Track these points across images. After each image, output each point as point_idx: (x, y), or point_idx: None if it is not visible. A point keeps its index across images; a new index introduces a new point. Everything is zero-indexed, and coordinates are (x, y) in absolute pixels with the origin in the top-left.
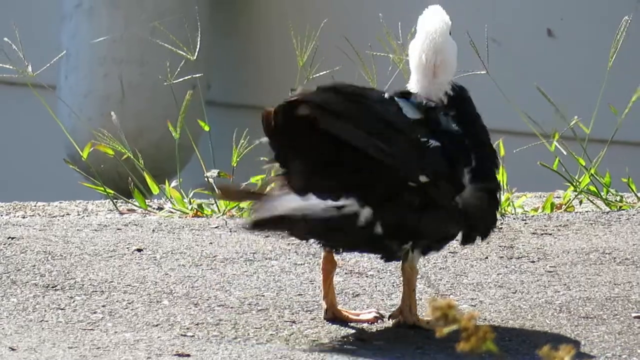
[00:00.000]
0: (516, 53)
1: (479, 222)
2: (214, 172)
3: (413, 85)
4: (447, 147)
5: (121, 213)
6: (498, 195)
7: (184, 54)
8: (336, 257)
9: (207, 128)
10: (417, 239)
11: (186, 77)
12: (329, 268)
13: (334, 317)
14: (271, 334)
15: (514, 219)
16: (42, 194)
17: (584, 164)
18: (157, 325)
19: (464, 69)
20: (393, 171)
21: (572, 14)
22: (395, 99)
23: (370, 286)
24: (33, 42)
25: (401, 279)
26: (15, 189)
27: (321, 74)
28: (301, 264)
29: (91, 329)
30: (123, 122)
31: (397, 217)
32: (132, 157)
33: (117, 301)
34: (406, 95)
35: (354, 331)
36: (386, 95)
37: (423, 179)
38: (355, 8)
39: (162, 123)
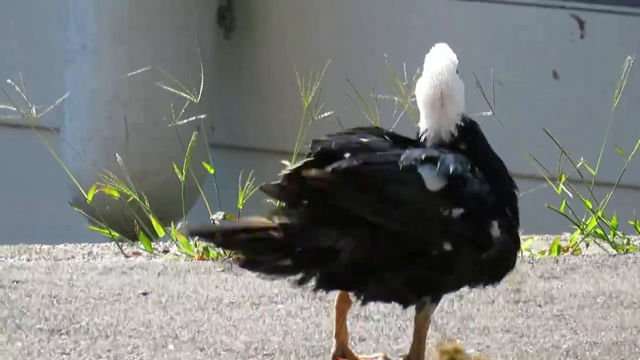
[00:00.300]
0: (522, 95)
1: (500, 267)
2: (219, 215)
3: (422, 123)
4: (474, 211)
5: (127, 256)
6: (518, 233)
7: (187, 96)
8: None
9: (212, 170)
10: (437, 293)
11: (190, 119)
12: (342, 307)
13: (343, 356)
14: None
15: (521, 262)
16: (47, 237)
17: (590, 206)
18: None
19: (470, 110)
20: (415, 240)
21: (576, 55)
22: (417, 168)
23: (376, 330)
24: (37, 83)
25: (408, 322)
26: (20, 232)
27: (326, 114)
28: (307, 308)
29: None
30: (128, 164)
31: (420, 276)
32: (137, 199)
33: (122, 346)
34: (431, 160)
35: None
36: (405, 164)
37: (447, 246)
38: (359, 49)
39: (166, 165)
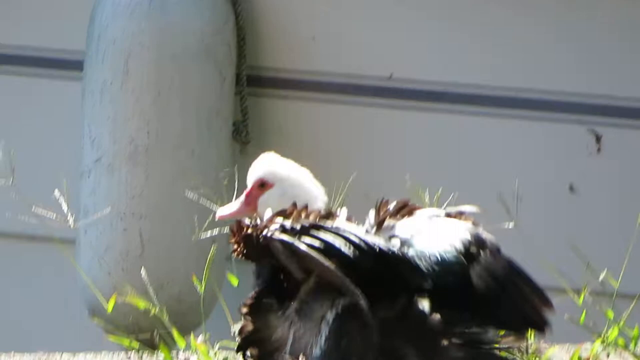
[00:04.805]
0: (542, 209)
1: None
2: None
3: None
4: None
5: None
6: None
7: (211, 207)
8: None
9: (235, 282)
10: None
11: (211, 231)
12: None
13: None
14: None
15: None
16: (67, 346)
17: (612, 317)
18: None
19: (491, 223)
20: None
21: (593, 169)
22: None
23: None
24: (51, 198)
25: None
26: (40, 341)
27: None
28: None
29: None
30: (143, 277)
31: None
32: (159, 312)
33: None
34: None
35: None
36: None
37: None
38: (379, 166)
39: (182, 276)
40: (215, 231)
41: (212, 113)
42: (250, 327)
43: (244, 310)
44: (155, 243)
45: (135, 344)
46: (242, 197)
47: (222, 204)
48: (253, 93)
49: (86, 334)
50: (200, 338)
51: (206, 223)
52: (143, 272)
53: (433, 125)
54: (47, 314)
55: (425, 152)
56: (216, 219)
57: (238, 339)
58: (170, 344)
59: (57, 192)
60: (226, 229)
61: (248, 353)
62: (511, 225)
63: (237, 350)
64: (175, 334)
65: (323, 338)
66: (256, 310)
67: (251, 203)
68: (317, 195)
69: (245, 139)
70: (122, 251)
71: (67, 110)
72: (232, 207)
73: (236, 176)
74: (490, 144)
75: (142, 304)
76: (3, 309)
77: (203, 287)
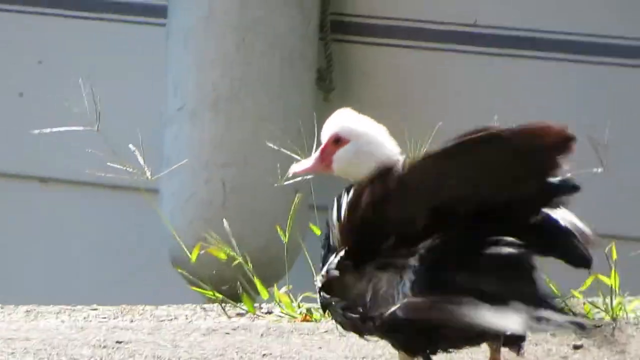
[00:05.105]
0: (631, 155)
1: None
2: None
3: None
4: None
5: (229, 317)
6: None
7: (295, 155)
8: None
9: (318, 232)
10: None
11: (295, 180)
12: None
13: None
14: None
15: (626, 323)
16: (149, 298)
17: None
18: None
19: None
20: None
21: None
22: None
23: None
24: (134, 145)
25: None
26: (122, 292)
27: None
28: None
29: None
30: (225, 227)
31: None
32: (243, 262)
33: None
34: None
35: None
36: None
37: None
38: (468, 112)
39: (264, 227)
40: (298, 180)
41: (295, 59)
42: (328, 286)
43: (321, 275)
44: (238, 192)
45: (218, 295)
46: (317, 154)
47: (305, 152)
48: (337, 40)
49: (168, 285)
50: (284, 289)
51: (289, 171)
52: (225, 222)
53: (518, 72)
54: (129, 264)
55: (510, 98)
56: (290, 175)
57: (318, 299)
58: (253, 295)
59: (132, 146)
60: (308, 177)
61: (333, 303)
62: (600, 170)
63: (323, 309)
64: (258, 284)
65: (411, 275)
66: (334, 272)
67: (326, 159)
68: (392, 154)
69: (329, 86)
70: (205, 200)
71: (151, 57)
72: (306, 163)
73: (319, 124)
74: (577, 89)
75: (224, 254)
76: (84, 259)
77: (287, 237)
